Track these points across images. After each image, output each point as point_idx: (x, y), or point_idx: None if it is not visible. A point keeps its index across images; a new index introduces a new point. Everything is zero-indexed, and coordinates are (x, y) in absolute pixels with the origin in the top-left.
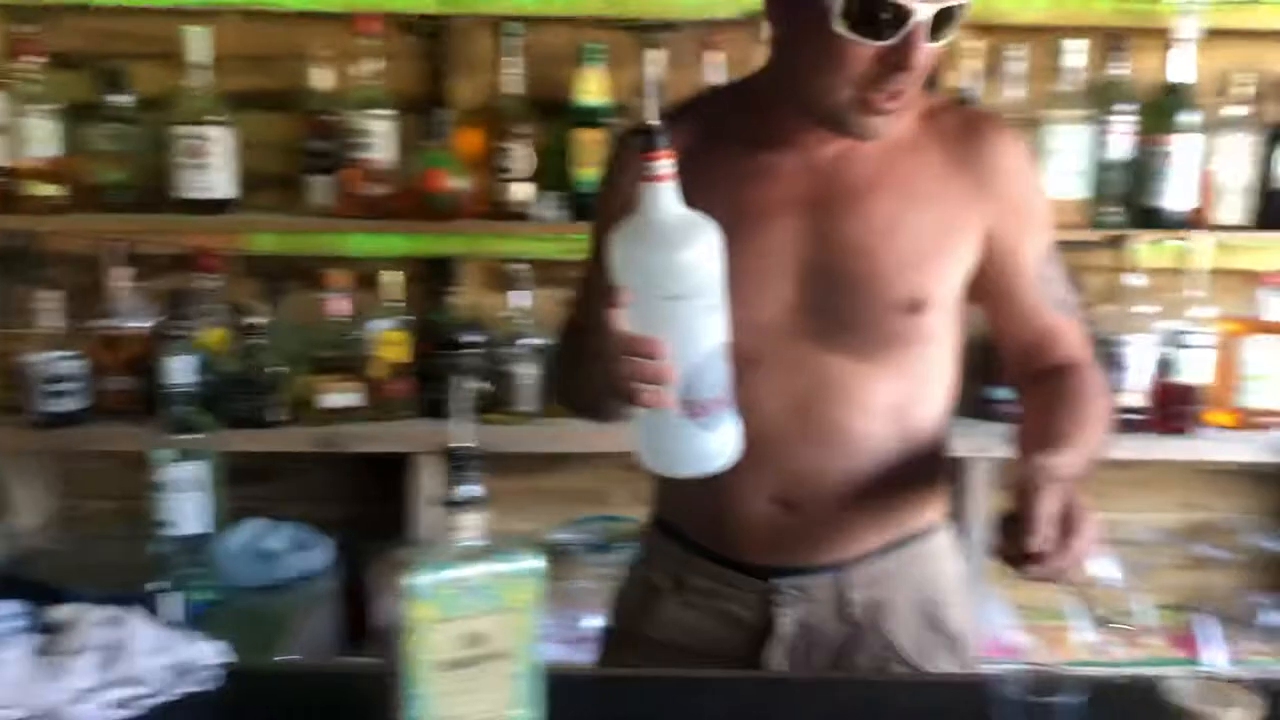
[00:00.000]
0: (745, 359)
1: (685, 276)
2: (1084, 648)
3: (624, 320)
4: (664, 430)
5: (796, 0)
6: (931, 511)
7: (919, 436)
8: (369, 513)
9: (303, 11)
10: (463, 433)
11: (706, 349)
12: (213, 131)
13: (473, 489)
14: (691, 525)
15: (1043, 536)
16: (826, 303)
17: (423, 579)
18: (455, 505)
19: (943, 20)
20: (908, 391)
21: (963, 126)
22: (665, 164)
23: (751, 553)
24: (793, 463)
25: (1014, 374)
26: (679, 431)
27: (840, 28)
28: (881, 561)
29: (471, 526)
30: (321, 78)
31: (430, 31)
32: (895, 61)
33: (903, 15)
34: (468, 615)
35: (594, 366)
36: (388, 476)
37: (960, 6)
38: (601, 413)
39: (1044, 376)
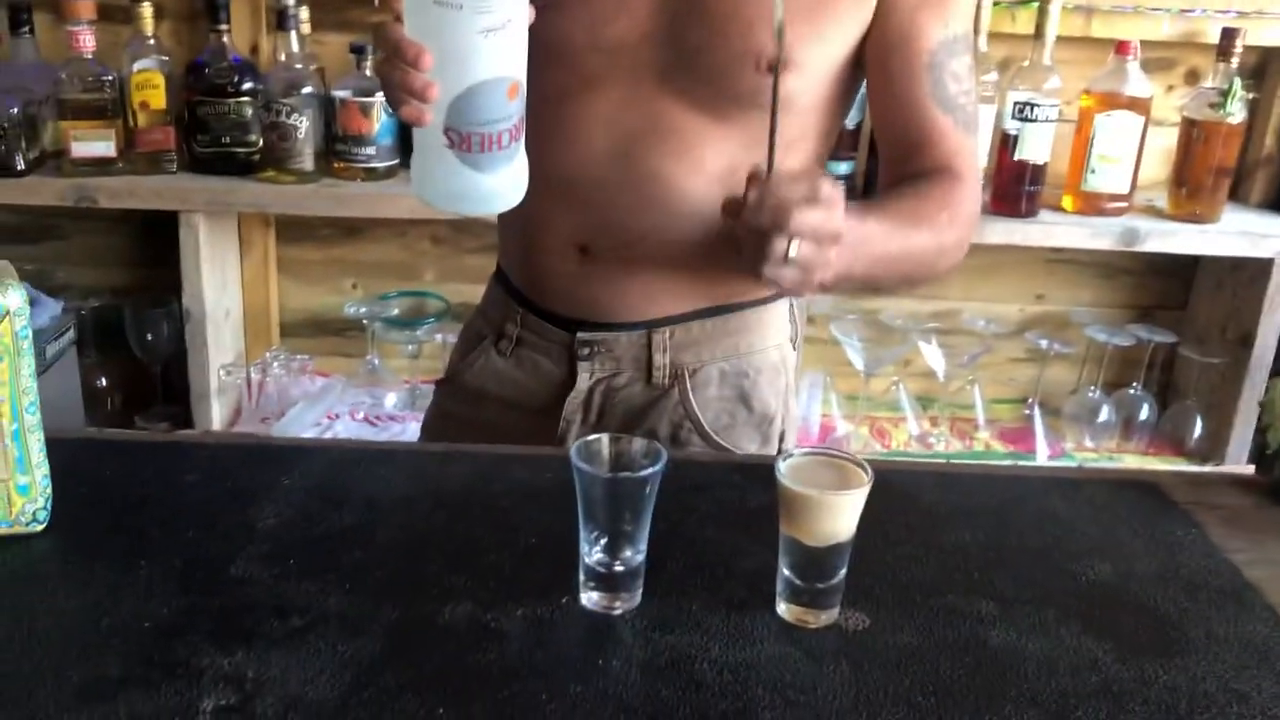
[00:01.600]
0: (578, 81)
1: None
2: (911, 439)
3: (401, 22)
4: (428, 155)
5: None
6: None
7: None
8: (144, 276)
9: None
10: None
11: (481, 75)
12: None
13: None
14: (512, 270)
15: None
16: (677, 39)
17: None
18: None
19: None
20: (750, 160)
21: None
22: None
23: (557, 302)
24: (602, 208)
25: (885, 172)
26: (441, 161)
27: None
28: (694, 325)
29: None
30: None
31: None
32: None
33: None
34: None
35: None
36: (159, 237)
37: None
38: None
39: (908, 178)
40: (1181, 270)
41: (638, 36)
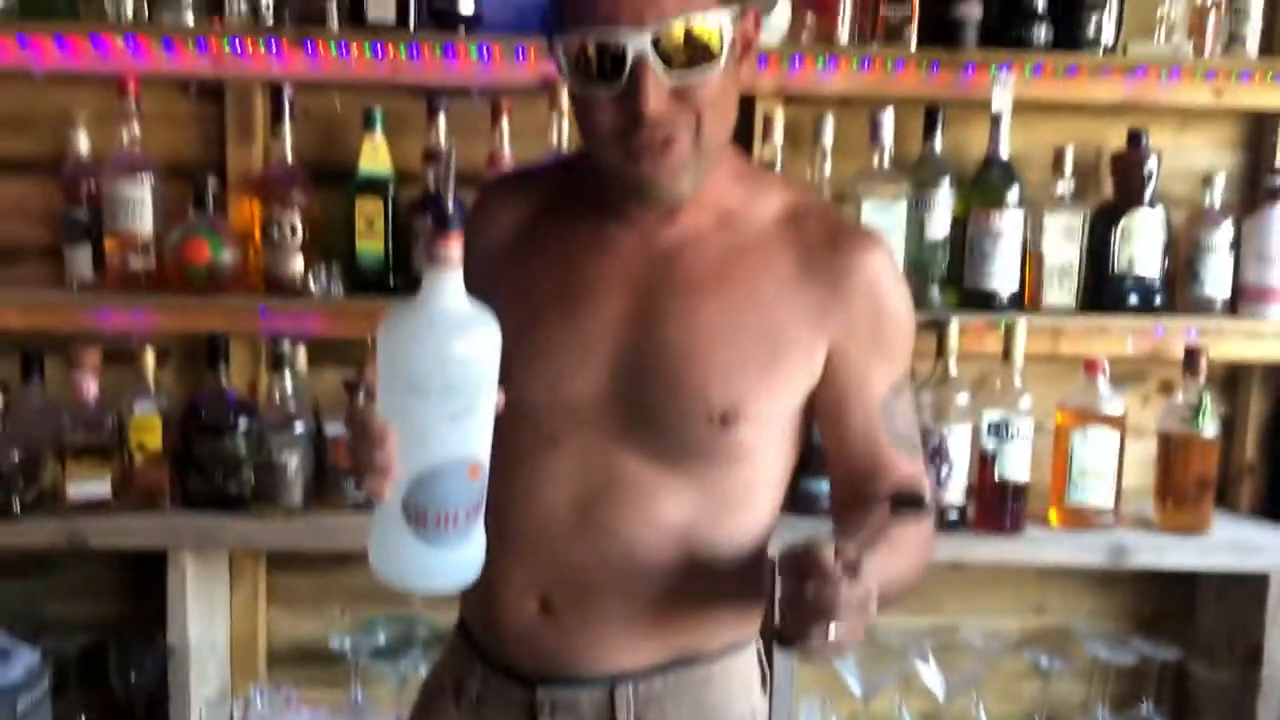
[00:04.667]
0: (540, 438)
1: (431, 372)
2: None
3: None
4: (386, 530)
5: (556, 65)
6: (728, 632)
7: (716, 559)
8: (135, 609)
9: (69, 73)
10: None
11: (442, 458)
12: None
13: None
14: (473, 623)
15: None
16: (634, 396)
17: None
18: None
19: (672, 52)
20: (707, 511)
21: (825, 234)
22: (454, 249)
23: (518, 656)
24: (561, 562)
25: (835, 498)
26: (398, 536)
27: (575, 84)
28: (657, 680)
29: None
30: (80, 142)
31: (211, 94)
32: (630, 107)
33: (619, 55)
34: None
35: None
36: (148, 572)
37: (686, 31)
38: None
39: (862, 504)
40: (1181, 580)
41: (596, 394)
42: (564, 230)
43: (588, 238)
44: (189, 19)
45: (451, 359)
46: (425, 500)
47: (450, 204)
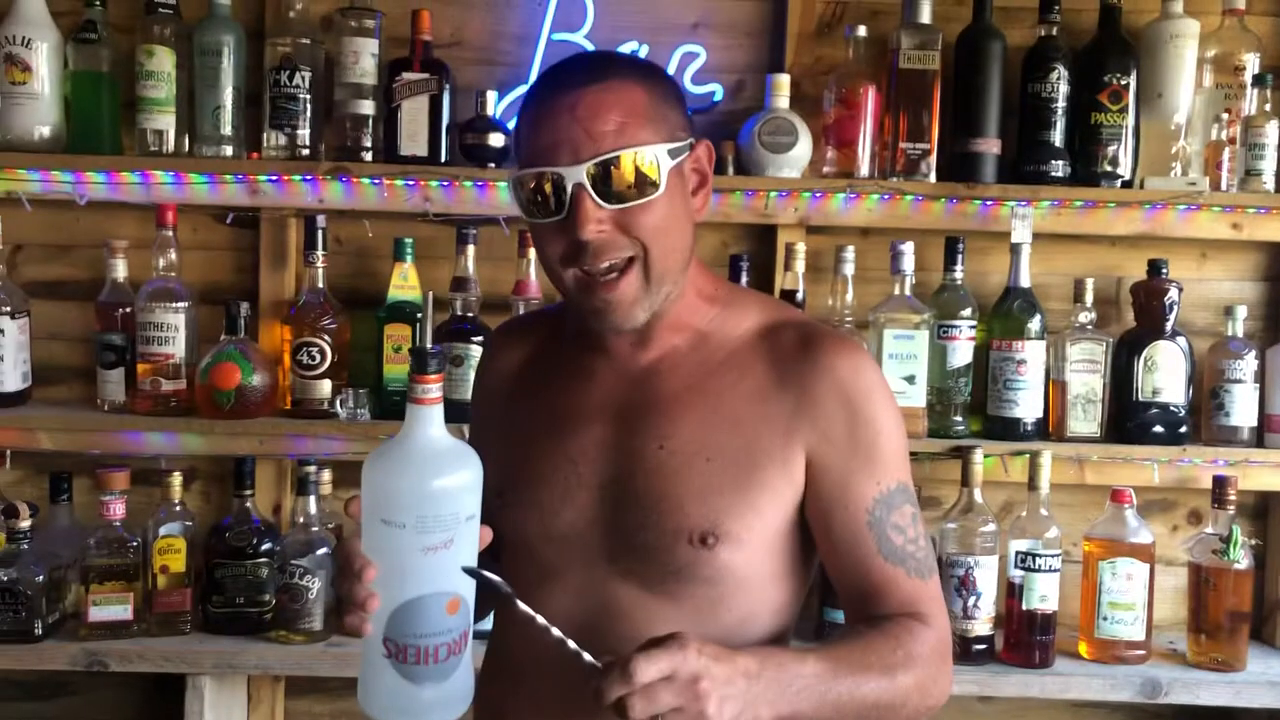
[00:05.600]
0: (537, 572)
1: (408, 505)
2: None
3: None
4: (371, 666)
5: (515, 200)
6: None
7: None
8: None
9: (111, 202)
10: None
11: (419, 592)
12: (4, 323)
13: None
14: None
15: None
16: (618, 522)
17: None
18: None
19: (608, 183)
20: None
21: (798, 341)
22: (431, 388)
23: None
24: (564, 702)
25: (846, 613)
26: (382, 672)
27: (527, 216)
28: None
29: None
30: (118, 269)
31: (246, 222)
32: (571, 234)
33: (560, 186)
34: None
35: None
36: (167, 695)
37: (620, 162)
38: None
39: (871, 619)
40: (1218, 714)
41: (584, 524)
42: (554, 366)
43: (572, 369)
44: (228, 151)
45: (426, 493)
46: (405, 635)
47: (430, 343)
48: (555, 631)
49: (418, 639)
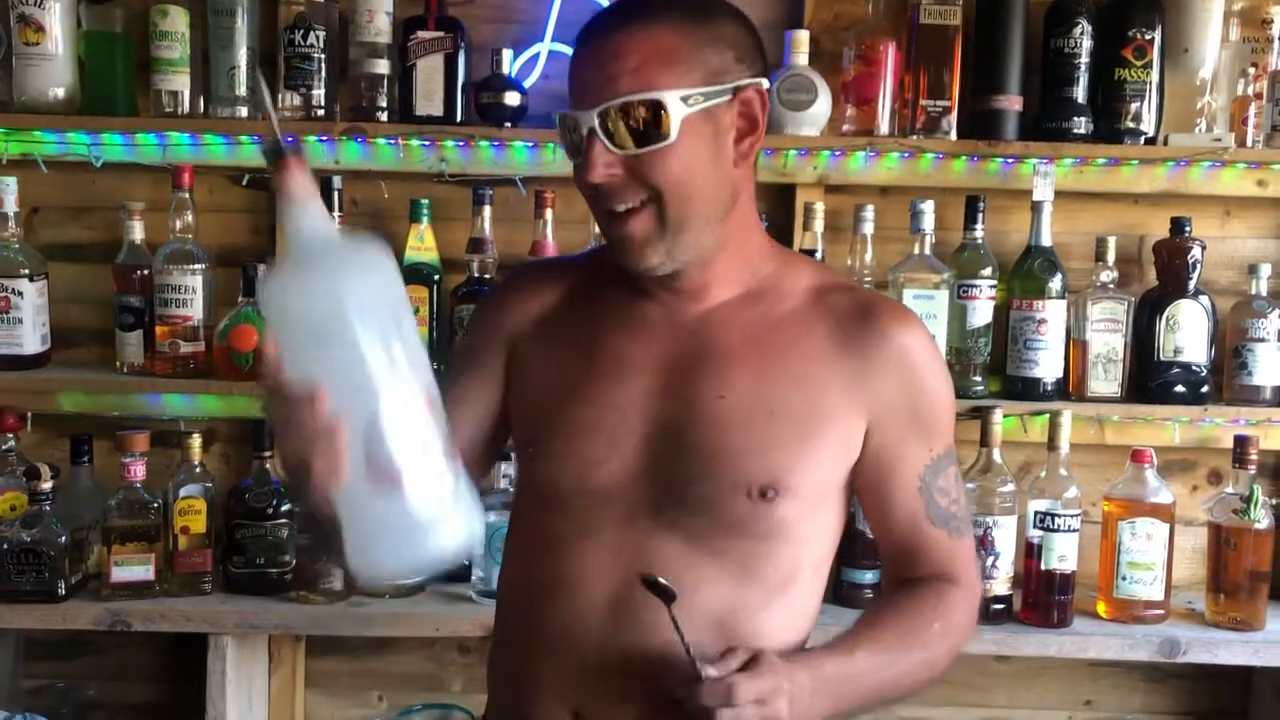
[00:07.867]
0: (570, 528)
1: (334, 311)
2: None
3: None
4: (356, 516)
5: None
6: None
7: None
8: (175, 691)
9: (127, 164)
10: None
11: (389, 394)
12: (23, 285)
13: None
14: None
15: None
16: (668, 475)
17: None
18: None
19: (619, 129)
20: (748, 598)
21: (856, 309)
22: (300, 180)
23: None
24: (595, 667)
25: (884, 578)
26: (373, 513)
27: (569, 155)
28: None
29: None
30: (135, 231)
31: (262, 184)
32: (584, 174)
33: (576, 128)
34: None
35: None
36: (189, 655)
37: (631, 109)
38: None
39: (906, 585)
40: (1235, 674)
41: (628, 476)
42: (590, 311)
43: (614, 316)
44: (243, 112)
45: (349, 289)
46: (388, 449)
47: (280, 136)
48: (683, 634)
49: (405, 447)
